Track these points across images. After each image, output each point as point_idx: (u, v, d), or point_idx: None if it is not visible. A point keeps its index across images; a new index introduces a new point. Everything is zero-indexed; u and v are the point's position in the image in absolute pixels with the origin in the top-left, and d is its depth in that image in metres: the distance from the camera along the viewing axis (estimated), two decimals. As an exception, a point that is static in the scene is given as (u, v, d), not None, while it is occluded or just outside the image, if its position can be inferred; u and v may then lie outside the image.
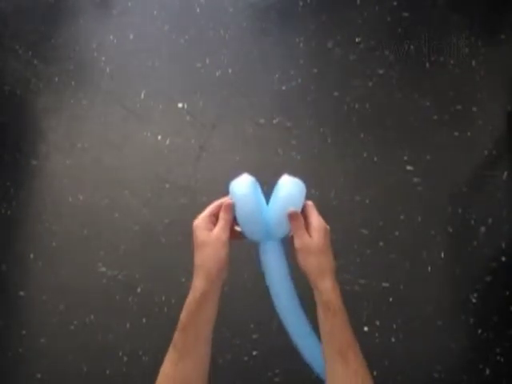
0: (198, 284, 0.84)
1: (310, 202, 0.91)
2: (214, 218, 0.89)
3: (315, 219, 0.89)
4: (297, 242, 0.87)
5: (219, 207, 0.89)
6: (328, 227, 0.90)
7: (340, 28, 2.20)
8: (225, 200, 0.89)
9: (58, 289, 1.94)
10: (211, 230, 0.87)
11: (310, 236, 0.87)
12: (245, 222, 0.89)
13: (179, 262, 1.89)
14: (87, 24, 2.31)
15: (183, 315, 0.84)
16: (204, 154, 2.07)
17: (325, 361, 0.85)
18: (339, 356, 0.82)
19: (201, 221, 0.88)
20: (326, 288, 0.85)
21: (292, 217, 0.88)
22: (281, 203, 0.90)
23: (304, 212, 0.90)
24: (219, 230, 0.86)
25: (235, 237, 0.91)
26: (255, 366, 1.79)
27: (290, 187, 0.91)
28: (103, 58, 2.23)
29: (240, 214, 0.89)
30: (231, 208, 0.87)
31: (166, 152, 2.08)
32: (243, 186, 0.90)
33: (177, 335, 0.84)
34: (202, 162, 2.06)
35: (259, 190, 0.94)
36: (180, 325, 0.84)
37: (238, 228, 0.92)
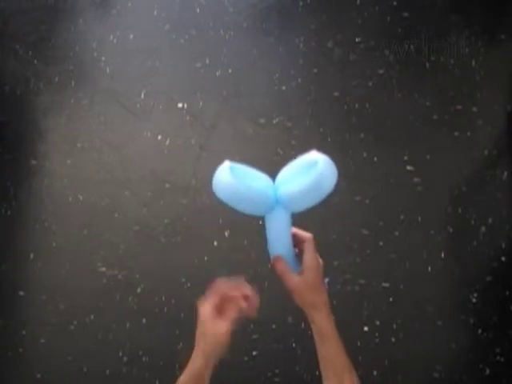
0: (195, 357, 0.88)
1: (309, 237, 0.90)
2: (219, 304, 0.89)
3: (309, 257, 0.88)
4: (288, 284, 0.88)
5: (221, 296, 0.89)
6: (321, 262, 0.89)
7: (340, 28, 2.20)
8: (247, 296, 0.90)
9: (58, 289, 1.93)
10: (215, 315, 0.88)
11: (303, 273, 0.87)
12: (239, 206, 0.88)
13: (179, 262, 1.89)
14: (87, 24, 2.31)
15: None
16: (204, 154, 2.07)
17: None
18: (335, 378, 0.86)
19: (207, 306, 0.88)
20: (320, 320, 0.87)
21: (277, 262, 0.88)
22: (308, 182, 0.88)
23: (300, 246, 0.90)
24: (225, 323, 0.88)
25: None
26: (255, 366, 1.78)
27: (324, 169, 0.87)
28: (103, 58, 2.23)
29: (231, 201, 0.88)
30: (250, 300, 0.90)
31: (166, 152, 2.08)
32: (220, 177, 0.89)
33: None
34: (202, 161, 2.06)
35: (241, 169, 0.94)
36: None
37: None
